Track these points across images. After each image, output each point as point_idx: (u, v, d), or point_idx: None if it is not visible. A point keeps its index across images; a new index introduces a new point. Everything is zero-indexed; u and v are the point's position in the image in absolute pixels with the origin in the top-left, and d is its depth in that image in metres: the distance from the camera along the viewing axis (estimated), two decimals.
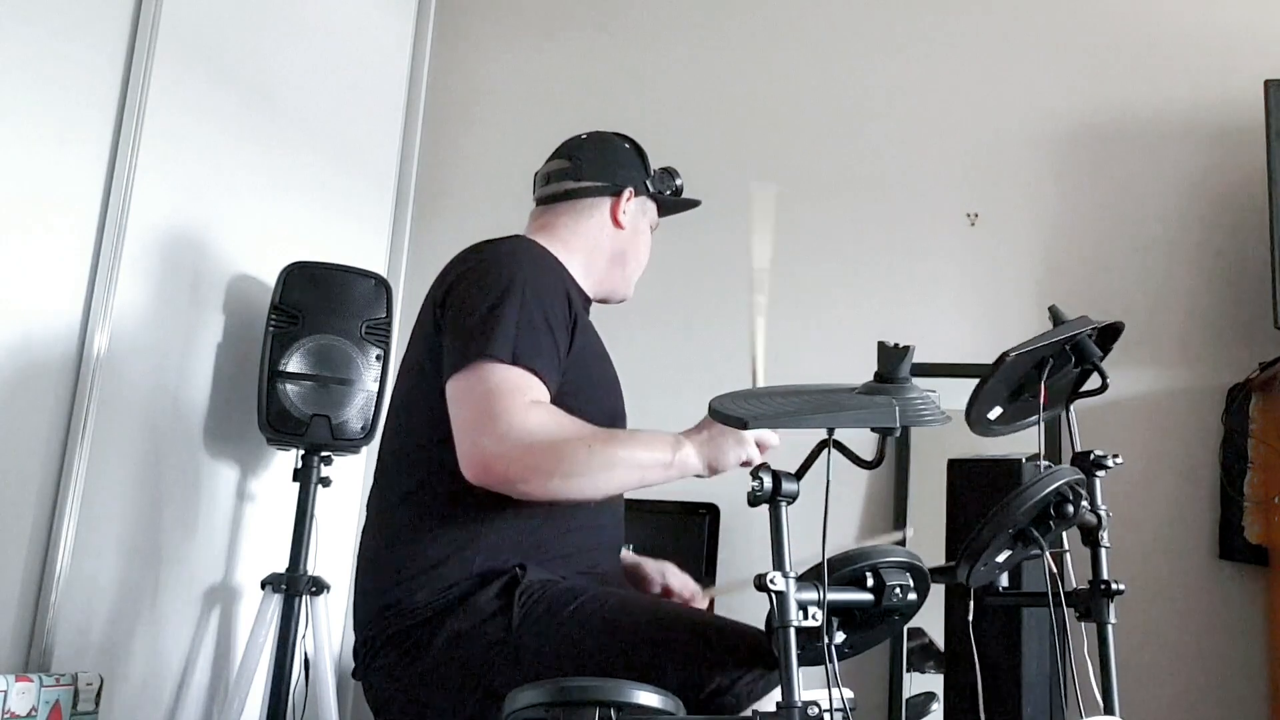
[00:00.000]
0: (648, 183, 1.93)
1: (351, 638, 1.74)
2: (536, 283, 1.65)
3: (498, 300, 1.60)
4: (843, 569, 1.37)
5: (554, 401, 1.60)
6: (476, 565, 1.59)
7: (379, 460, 1.76)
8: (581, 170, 1.90)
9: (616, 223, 1.88)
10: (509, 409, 1.53)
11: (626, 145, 1.95)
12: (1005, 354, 1.56)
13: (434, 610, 1.58)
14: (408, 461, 1.69)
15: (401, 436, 1.72)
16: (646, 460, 1.58)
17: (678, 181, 1.99)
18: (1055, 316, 1.69)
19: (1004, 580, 1.67)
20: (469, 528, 1.61)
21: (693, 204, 2.03)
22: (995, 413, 1.68)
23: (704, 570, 2.76)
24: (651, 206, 1.96)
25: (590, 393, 1.70)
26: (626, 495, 1.80)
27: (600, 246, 1.87)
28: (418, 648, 1.59)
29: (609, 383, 1.80)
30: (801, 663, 1.26)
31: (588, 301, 1.86)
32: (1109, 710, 1.59)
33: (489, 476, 1.52)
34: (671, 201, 1.99)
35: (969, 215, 2.94)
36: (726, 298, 3.04)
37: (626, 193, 1.89)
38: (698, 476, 1.66)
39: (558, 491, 1.54)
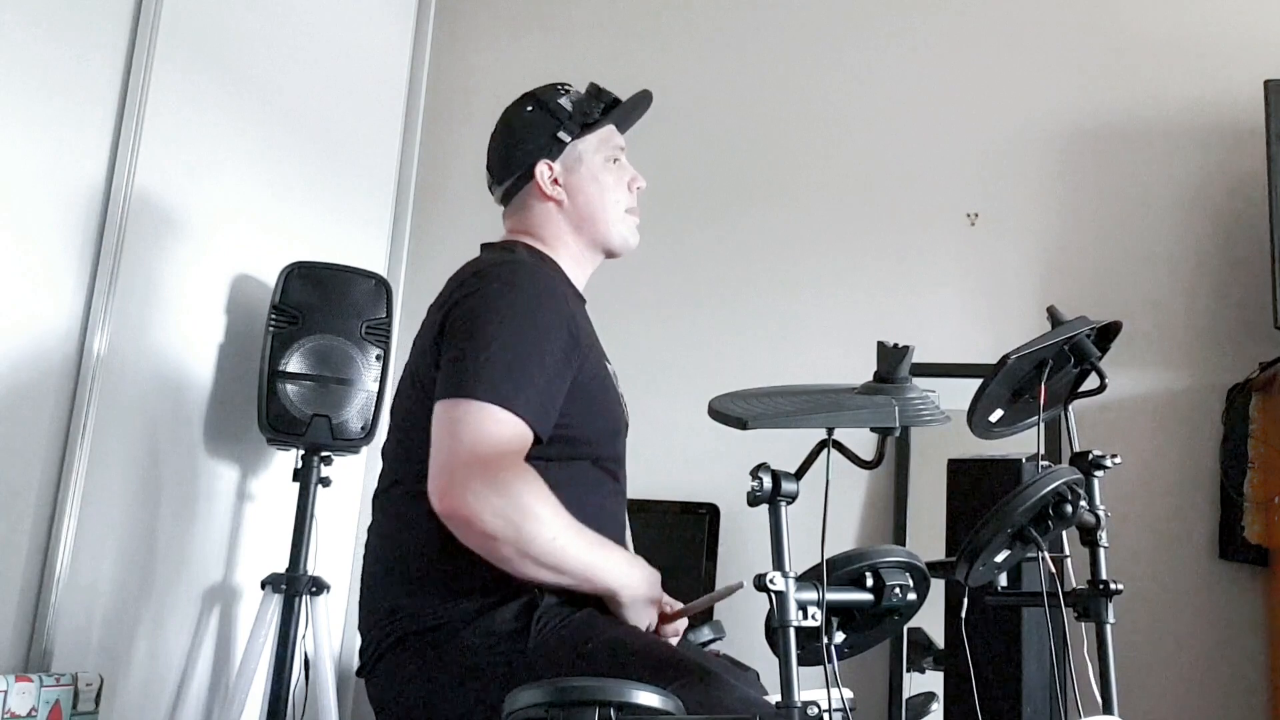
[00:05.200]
0: (560, 133, 1.80)
1: (351, 638, 1.74)
2: (535, 320, 1.62)
3: (497, 340, 1.58)
4: (842, 569, 1.37)
5: (555, 427, 1.60)
6: (492, 578, 1.57)
7: (385, 460, 1.75)
8: (496, 172, 1.87)
9: (551, 198, 1.81)
10: (494, 463, 1.51)
11: (528, 110, 1.84)
12: (1006, 356, 1.56)
13: (446, 618, 1.58)
14: (415, 466, 1.67)
15: (406, 443, 1.71)
16: (595, 579, 1.58)
17: (605, 97, 1.84)
18: (1053, 317, 1.69)
19: (1003, 580, 1.67)
20: None
21: (640, 99, 1.90)
22: (996, 415, 1.68)
23: (704, 570, 2.76)
24: (592, 140, 1.83)
25: (590, 418, 1.68)
26: (628, 495, 1.81)
27: (560, 224, 1.82)
28: (427, 654, 1.58)
29: (610, 403, 1.76)
30: (801, 663, 1.26)
31: (582, 301, 1.84)
32: (1108, 710, 1.59)
33: (451, 517, 1.52)
34: (618, 117, 1.87)
35: (969, 215, 2.94)
36: (727, 296, 3.04)
37: (539, 169, 1.81)
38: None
39: (505, 560, 1.53)
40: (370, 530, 1.75)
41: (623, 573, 1.62)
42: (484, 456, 1.52)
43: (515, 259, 1.76)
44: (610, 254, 1.88)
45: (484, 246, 1.86)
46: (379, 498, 1.75)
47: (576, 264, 1.84)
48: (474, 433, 1.53)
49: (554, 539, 1.53)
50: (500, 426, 1.54)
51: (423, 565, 1.62)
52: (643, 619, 1.65)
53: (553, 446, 1.61)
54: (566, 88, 1.86)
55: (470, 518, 1.50)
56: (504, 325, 1.60)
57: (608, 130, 1.87)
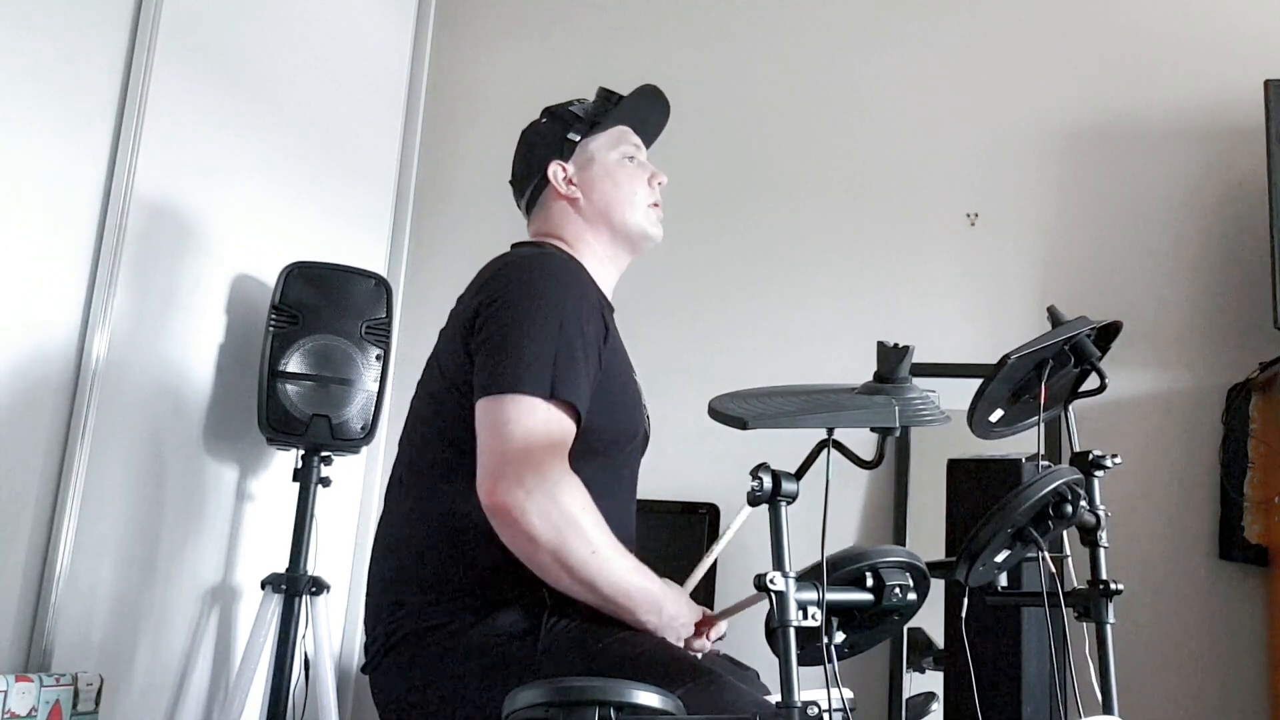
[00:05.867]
0: (570, 134, 1.85)
1: (352, 638, 1.73)
2: (574, 306, 1.63)
3: (537, 327, 1.59)
4: (842, 569, 1.37)
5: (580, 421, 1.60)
6: (502, 576, 1.57)
7: (400, 455, 1.75)
8: (517, 183, 1.91)
9: (567, 197, 1.84)
10: (546, 464, 1.52)
11: (543, 121, 1.91)
12: (1006, 356, 1.56)
13: (454, 616, 1.57)
14: (429, 456, 1.68)
15: (425, 438, 1.71)
16: (625, 606, 1.57)
17: (612, 97, 1.88)
18: (1054, 317, 1.69)
19: (1003, 580, 1.67)
20: (490, 533, 1.58)
21: (646, 93, 1.93)
22: (996, 415, 1.68)
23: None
24: (602, 139, 1.87)
25: (611, 413, 1.68)
26: None
27: (578, 223, 1.84)
28: (434, 651, 1.57)
29: (630, 406, 1.76)
30: (801, 663, 1.26)
31: (611, 308, 1.83)
32: (1108, 710, 1.59)
33: (498, 514, 1.51)
34: (629, 115, 1.90)
35: (969, 215, 2.94)
36: (726, 297, 3.04)
37: (551, 169, 1.84)
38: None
39: (541, 566, 1.53)
40: (380, 523, 1.74)
41: (655, 607, 1.59)
42: (535, 452, 1.52)
43: (544, 252, 1.78)
44: (633, 247, 1.88)
45: (514, 245, 1.87)
46: (391, 490, 1.74)
47: (601, 265, 1.84)
48: (524, 428, 1.53)
49: (594, 553, 1.52)
50: (547, 421, 1.54)
51: (431, 561, 1.62)
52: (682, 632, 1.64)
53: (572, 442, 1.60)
54: (581, 100, 1.91)
55: (518, 517, 1.50)
56: (538, 314, 1.60)
57: (620, 130, 1.90)
